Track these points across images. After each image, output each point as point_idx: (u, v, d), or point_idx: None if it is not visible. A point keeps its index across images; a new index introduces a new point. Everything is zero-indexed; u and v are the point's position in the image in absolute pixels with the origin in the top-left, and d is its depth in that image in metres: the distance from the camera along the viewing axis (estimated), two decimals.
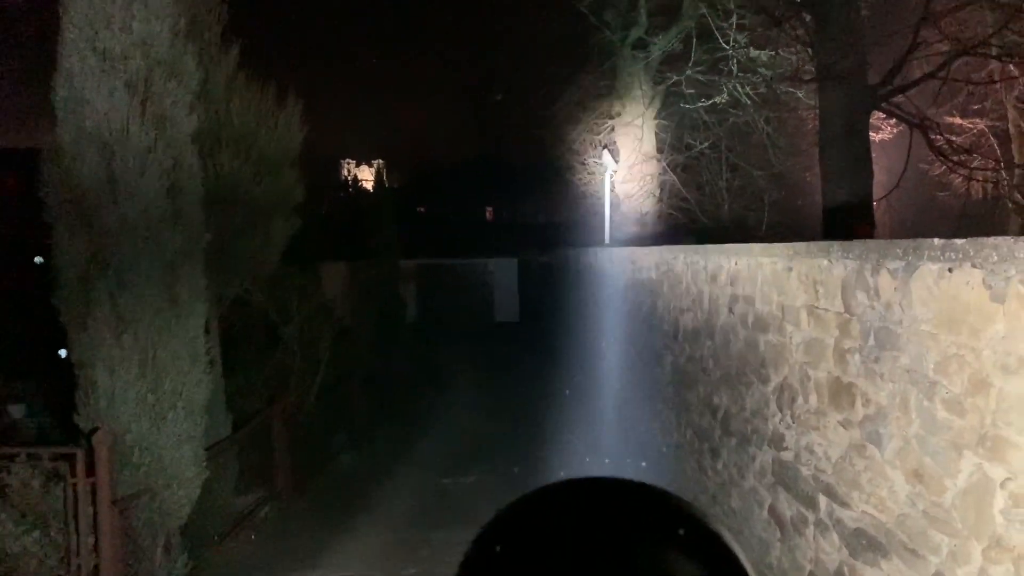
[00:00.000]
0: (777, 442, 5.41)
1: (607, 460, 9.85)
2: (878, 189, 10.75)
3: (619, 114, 18.56)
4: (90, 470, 5.42)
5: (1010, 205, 13.87)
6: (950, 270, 3.24)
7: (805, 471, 4.90)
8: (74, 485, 5.44)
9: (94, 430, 5.51)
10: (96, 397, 5.69)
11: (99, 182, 5.62)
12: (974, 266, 3.08)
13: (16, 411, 11.62)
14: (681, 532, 0.77)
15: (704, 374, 7.40)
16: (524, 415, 12.49)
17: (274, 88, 9.10)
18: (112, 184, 5.63)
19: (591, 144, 20.29)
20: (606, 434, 11.05)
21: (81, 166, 5.63)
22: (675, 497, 0.82)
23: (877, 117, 12.57)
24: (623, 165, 19.94)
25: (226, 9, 8.55)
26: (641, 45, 18.19)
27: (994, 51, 10.49)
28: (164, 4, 5.98)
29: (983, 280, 3.02)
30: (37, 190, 5.99)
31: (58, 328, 6.00)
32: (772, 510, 5.52)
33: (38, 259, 17.50)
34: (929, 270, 3.40)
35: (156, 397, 5.83)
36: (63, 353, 6.86)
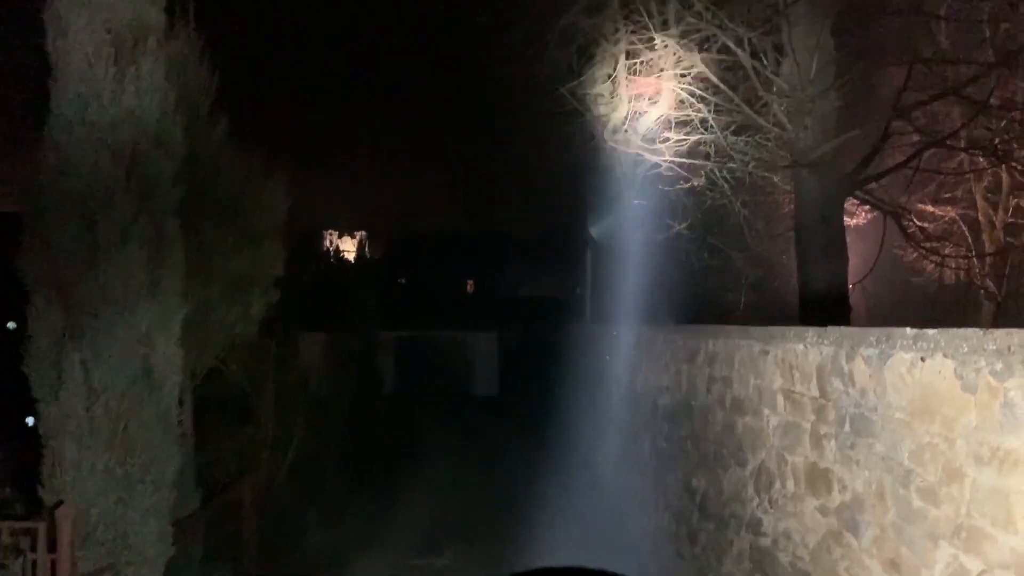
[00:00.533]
0: (755, 527, 5.36)
1: (585, 538, 9.68)
2: (853, 273, 10.93)
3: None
4: (52, 546, 5.25)
5: (982, 292, 14.11)
6: (922, 359, 3.28)
7: (783, 557, 4.85)
8: (34, 561, 5.27)
9: (58, 503, 5.36)
10: (62, 469, 5.55)
11: (80, 251, 5.61)
12: (946, 356, 3.13)
13: None
14: None
15: (683, 455, 7.37)
16: (500, 494, 12.29)
17: (260, 160, 9.20)
18: (93, 253, 5.61)
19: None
20: (584, 513, 10.88)
21: (63, 234, 5.62)
22: None
23: (852, 203, 12.87)
24: (604, 243, 20.18)
25: (216, 83, 8.72)
26: (621, 129, 18.63)
27: (962, 143, 10.85)
28: (155, 77, 6.08)
29: (955, 371, 3.07)
30: (15, 255, 5.96)
31: (26, 395, 5.89)
32: None
33: (11, 324, 17.28)
34: (902, 359, 3.45)
35: (124, 470, 5.70)
36: (30, 421, 6.72)
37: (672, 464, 7.75)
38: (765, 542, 5.15)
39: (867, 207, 14.01)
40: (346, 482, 12.62)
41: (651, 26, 13.89)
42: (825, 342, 4.27)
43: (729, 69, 13.70)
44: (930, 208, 14.82)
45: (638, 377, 9.63)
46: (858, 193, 10.57)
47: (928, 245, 11.62)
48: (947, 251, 13.44)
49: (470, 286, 43.41)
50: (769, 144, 13.08)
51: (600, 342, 13.09)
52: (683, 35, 16.36)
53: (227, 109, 8.87)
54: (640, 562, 8.64)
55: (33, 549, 5.25)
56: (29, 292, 5.76)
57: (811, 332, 4.45)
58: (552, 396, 20.78)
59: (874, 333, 3.72)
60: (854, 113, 10.68)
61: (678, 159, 16.92)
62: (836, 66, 9.61)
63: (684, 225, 17.75)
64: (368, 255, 20.73)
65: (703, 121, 15.22)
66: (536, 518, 10.77)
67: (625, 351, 10.60)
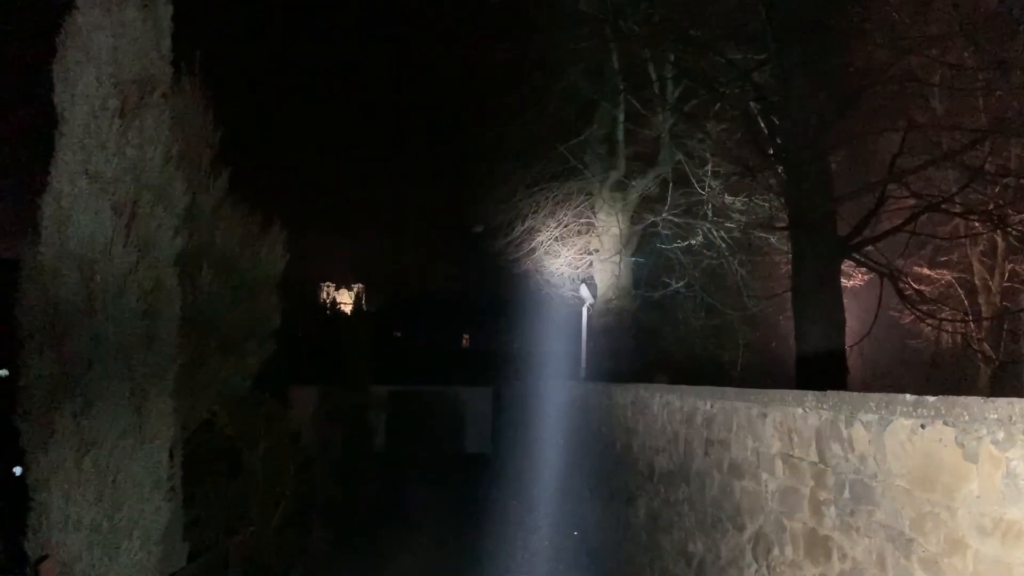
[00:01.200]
0: None
1: None
2: (850, 335, 10.92)
3: (597, 250, 18.97)
4: None
5: (979, 356, 14.10)
6: (923, 426, 3.25)
7: None
8: None
9: (42, 558, 5.25)
10: (49, 522, 5.45)
11: (76, 301, 5.60)
12: (946, 424, 3.10)
13: None
14: None
15: (679, 519, 7.26)
16: (489, 559, 12.08)
17: (259, 215, 9.27)
18: (90, 303, 5.60)
19: (570, 278, 20.62)
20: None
21: (60, 284, 5.62)
22: None
23: (849, 264, 12.94)
24: (600, 300, 20.20)
25: (218, 137, 8.83)
26: (620, 187, 18.82)
27: (958, 208, 10.96)
28: (159, 131, 6.15)
29: (955, 439, 3.04)
30: (10, 304, 5.94)
31: (12, 444, 5.81)
32: None
33: (3, 372, 17.14)
34: (902, 425, 3.42)
35: (112, 524, 5.60)
36: (18, 471, 6.62)
37: (668, 528, 7.63)
38: None
39: (864, 269, 14.08)
40: (334, 540, 12.40)
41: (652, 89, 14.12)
42: (824, 406, 4.24)
43: (726, 131, 13.93)
44: (927, 271, 14.92)
45: (633, 438, 9.53)
46: (855, 255, 10.63)
47: (925, 308, 11.65)
48: (944, 314, 13.47)
49: (465, 340, 43.34)
50: (766, 205, 13.23)
51: (595, 400, 13.01)
52: (681, 99, 16.69)
53: (228, 163, 8.97)
54: None
55: None
56: (23, 340, 5.72)
57: (810, 396, 4.41)
58: (545, 455, 20.57)
59: (874, 399, 3.69)
60: (851, 176, 10.82)
61: (676, 218, 17.09)
62: (833, 130, 9.75)
63: (681, 284, 17.84)
64: (364, 308, 20.70)
65: (701, 182, 15.42)
66: None
67: (620, 411, 10.52)
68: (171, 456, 6.64)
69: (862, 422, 3.78)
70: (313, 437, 17.15)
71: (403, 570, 11.04)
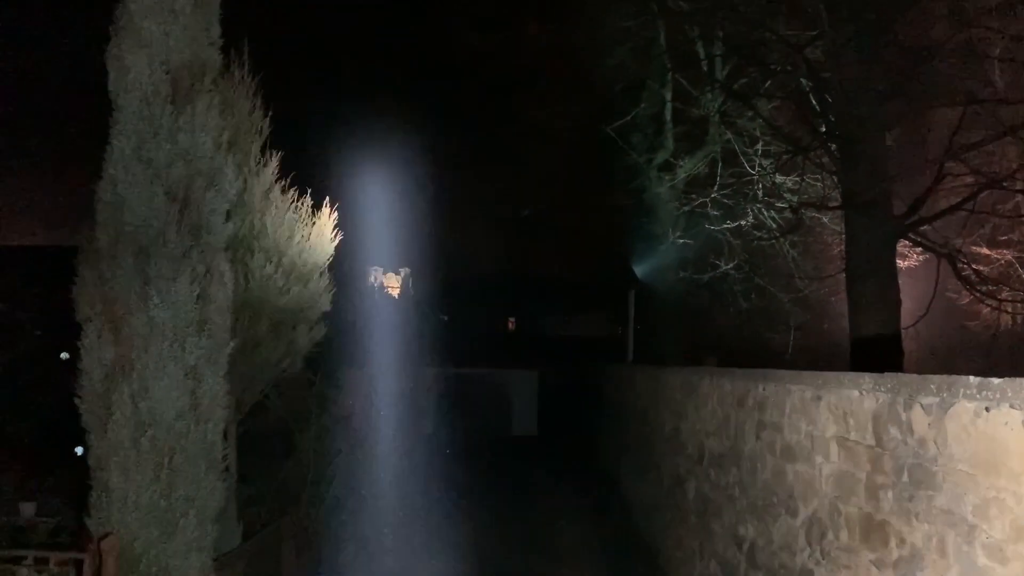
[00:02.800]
0: None
1: None
2: (906, 316, 10.67)
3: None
4: None
5: None
6: (987, 409, 3.15)
7: None
8: None
9: (104, 535, 5.40)
10: (109, 501, 5.60)
11: (132, 285, 5.72)
12: (1012, 407, 2.99)
13: (27, 509, 11.47)
14: None
15: (730, 502, 7.18)
16: (539, 543, 12.12)
17: (308, 200, 9.34)
18: (145, 288, 5.72)
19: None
20: (624, 561, 10.67)
21: (116, 269, 5.74)
22: None
23: (904, 245, 12.62)
24: (648, 283, 20.07)
25: (268, 123, 8.90)
26: (667, 167, 18.62)
27: (1019, 185, 10.59)
28: (210, 117, 6.22)
29: (1023, 422, 2.93)
30: (69, 289, 6.09)
31: (76, 426, 5.98)
32: None
33: (64, 355, 17.68)
34: (965, 408, 3.31)
35: (169, 503, 5.73)
36: (79, 451, 6.81)
37: (718, 511, 7.56)
38: None
39: (920, 249, 13.72)
40: (384, 522, 12.54)
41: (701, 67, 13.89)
42: (881, 389, 4.13)
43: (777, 109, 13.65)
44: (985, 251, 14.44)
45: (682, 421, 9.46)
46: (911, 235, 10.36)
47: (984, 288, 11.30)
48: (1004, 295, 13.06)
49: (511, 324, 43.38)
50: (819, 185, 12.95)
51: (642, 384, 12.93)
52: (730, 77, 16.41)
53: (277, 147, 9.05)
54: None
55: None
56: (82, 325, 5.87)
57: (866, 378, 4.31)
58: (592, 439, 20.56)
59: (934, 381, 3.58)
60: (907, 154, 10.52)
61: (725, 198, 16.85)
62: (888, 107, 9.48)
63: (730, 266, 17.60)
64: (412, 291, 20.80)
65: (751, 161, 15.17)
66: (574, 564, 10.59)
67: (669, 393, 10.44)
68: (225, 437, 6.77)
69: (922, 405, 3.68)
70: (364, 420, 17.35)
71: (453, 553, 11.12)
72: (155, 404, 5.68)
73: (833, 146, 10.57)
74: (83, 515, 5.75)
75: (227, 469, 6.80)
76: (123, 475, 5.58)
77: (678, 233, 18.82)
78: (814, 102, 11.20)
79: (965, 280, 10.96)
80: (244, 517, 8.10)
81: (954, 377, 3.40)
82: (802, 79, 11.50)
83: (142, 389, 5.65)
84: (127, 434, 5.61)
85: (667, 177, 18.64)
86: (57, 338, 12.99)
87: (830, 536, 4.81)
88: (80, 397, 5.88)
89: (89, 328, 5.81)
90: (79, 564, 5.35)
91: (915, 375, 3.79)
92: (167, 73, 5.90)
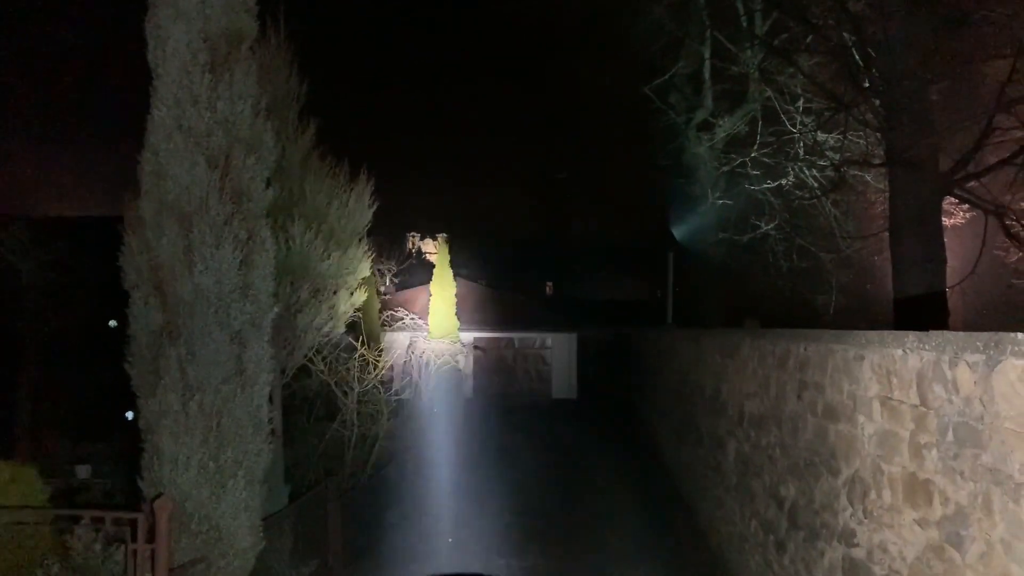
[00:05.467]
0: (848, 538, 5.17)
1: (664, 545, 9.54)
2: (951, 275, 10.45)
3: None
4: (150, 536, 5.45)
5: None
6: None
7: (878, 571, 4.65)
8: (134, 551, 5.48)
9: (156, 496, 5.56)
10: (160, 463, 5.76)
11: (176, 252, 5.82)
12: None
13: (82, 471, 11.88)
14: None
15: (770, 462, 7.17)
16: (580, 502, 12.22)
17: (346, 165, 9.39)
18: (188, 255, 5.81)
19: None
20: (663, 521, 10.74)
21: (160, 236, 5.85)
22: None
23: (950, 202, 12.32)
24: (688, 245, 19.91)
25: (304, 90, 8.94)
26: (706, 127, 18.35)
27: None
28: (248, 85, 6.26)
29: None
30: (116, 257, 6.22)
31: (127, 391, 6.14)
32: None
33: (112, 323, 18.13)
34: (1013, 365, 3.25)
35: (217, 465, 5.88)
36: (130, 415, 7.01)
37: (759, 471, 7.55)
38: (859, 554, 4.96)
39: (966, 206, 13.39)
40: (426, 483, 12.75)
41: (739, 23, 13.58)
42: (926, 347, 4.07)
43: (819, 65, 13.33)
44: None
45: (722, 382, 9.42)
46: (957, 192, 10.10)
47: None
48: None
49: (549, 288, 43.36)
50: (862, 142, 12.66)
51: (682, 346, 12.89)
52: (771, 33, 16.05)
53: (315, 114, 9.10)
54: (724, 570, 8.47)
55: (134, 539, 5.45)
56: (129, 292, 6.00)
57: (911, 336, 4.25)
58: (631, 401, 20.60)
59: (981, 338, 3.52)
60: (954, 108, 10.22)
61: (765, 158, 16.57)
62: (935, 59, 9.19)
63: (771, 226, 17.36)
64: (449, 256, 20.89)
65: (792, 119, 14.87)
66: (614, 525, 10.67)
67: (709, 355, 10.40)
68: (270, 400, 6.91)
69: (968, 363, 3.62)
70: (404, 382, 17.58)
71: (497, 511, 11.28)
72: (202, 368, 5.80)
73: (877, 102, 10.30)
74: (136, 477, 5.92)
75: (273, 432, 6.94)
76: (173, 438, 5.73)
77: (717, 194, 18.59)
78: (857, 57, 10.90)
79: (1014, 237, 10.66)
80: (290, 478, 8.29)
81: (1001, 334, 3.34)
82: (845, 33, 11.19)
83: (189, 354, 5.78)
84: (176, 398, 5.75)
85: (706, 137, 18.38)
86: (106, 306, 13.31)
87: (872, 495, 4.79)
88: (129, 362, 6.04)
89: (136, 295, 5.95)
90: (133, 523, 5.53)
91: (961, 333, 3.73)
92: (205, 41, 5.94)
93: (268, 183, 6.50)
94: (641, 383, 19.07)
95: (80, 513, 5.80)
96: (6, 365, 15.90)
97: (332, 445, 10.55)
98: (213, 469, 5.87)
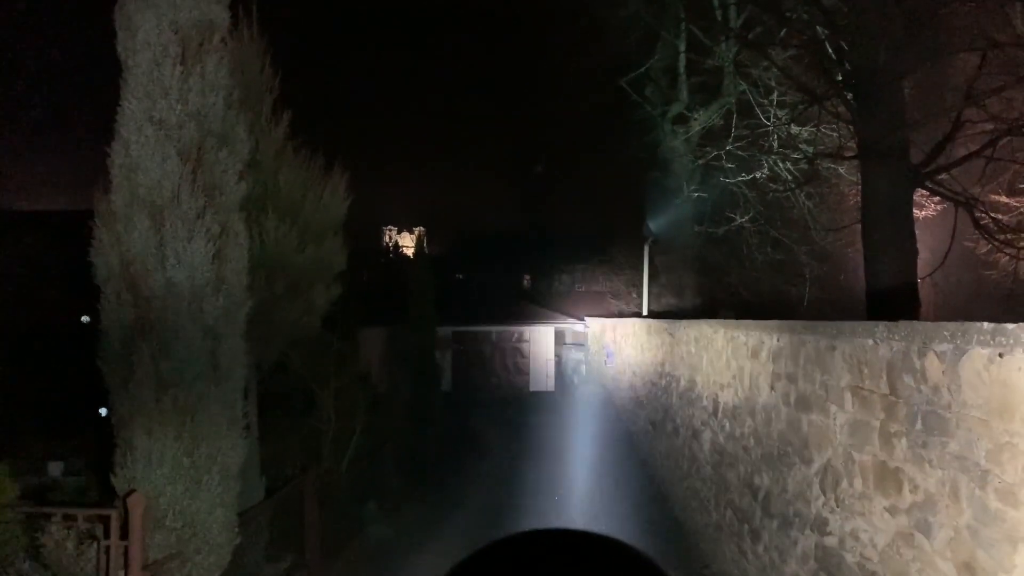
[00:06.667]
0: (820, 526, 5.23)
1: (640, 534, 9.60)
2: (922, 267, 10.58)
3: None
4: (124, 532, 5.41)
5: None
6: (1000, 355, 3.15)
7: (850, 558, 4.72)
8: (107, 548, 5.43)
9: (129, 492, 5.51)
10: (133, 459, 5.71)
11: (148, 247, 5.75)
12: None
13: (55, 469, 11.74)
14: None
15: (744, 453, 7.24)
16: (556, 493, 12.28)
17: (321, 158, 9.32)
18: (160, 249, 5.75)
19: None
20: (639, 510, 10.81)
21: (132, 231, 5.78)
22: (633, 548, 0.82)
23: (921, 194, 12.46)
24: (662, 235, 19.99)
25: (278, 82, 8.86)
26: (681, 120, 18.42)
27: None
28: (220, 76, 6.20)
29: None
30: (87, 252, 6.14)
31: (100, 387, 6.07)
32: None
33: (85, 318, 17.92)
34: (979, 354, 3.31)
35: (192, 461, 5.84)
36: (104, 412, 6.93)
37: (733, 461, 7.63)
38: (831, 541, 5.03)
39: (937, 198, 13.55)
40: (404, 476, 12.75)
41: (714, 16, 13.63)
42: (896, 337, 4.13)
43: (793, 58, 13.43)
44: (1004, 199, 14.24)
45: (697, 373, 9.49)
46: (928, 184, 10.23)
47: (1002, 237, 11.16)
48: (1022, 244, 12.90)
49: (527, 281, 43.43)
50: (835, 135, 12.77)
51: (657, 337, 12.96)
52: (745, 26, 16.13)
53: (288, 107, 9.02)
54: (699, 557, 8.54)
55: (107, 535, 5.41)
56: (101, 287, 5.93)
57: (881, 327, 4.30)
58: (608, 392, 20.68)
59: (948, 328, 3.58)
60: (925, 101, 10.33)
61: (740, 150, 16.67)
62: (906, 53, 9.29)
63: (746, 218, 17.48)
64: (427, 250, 20.85)
65: (766, 112, 14.97)
66: (592, 516, 10.73)
67: (684, 347, 10.47)
68: (246, 396, 6.87)
69: (936, 352, 3.68)
70: (382, 377, 17.54)
71: (472, 502, 11.31)
72: (175, 364, 5.75)
73: (849, 95, 10.39)
74: (109, 473, 5.86)
75: (248, 427, 6.90)
76: (147, 434, 5.67)
77: (693, 187, 18.69)
78: (830, 50, 10.99)
79: (983, 229, 10.82)
80: (267, 473, 8.25)
81: (967, 324, 3.39)
82: (818, 27, 11.27)
83: (162, 349, 5.72)
84: (149, 394, 5.69)
85: (681, 130, 18.45)
86: (77, 301, 13.14)
87: (844, 484, 4.85)
88: (101, 358, 5.97)
89: (108, 290, 5.87)
90: (106, 520, 5.48)
91: (929, 323, 3.79)
92: (175, 32, 5.86)
93: (241, 176, 6.44)
94: (618, 374, 19.16)
95: (52, 511, 5.74)
96: None
97: (309, 440, 10.51)
98: (188, 465, 5.82)
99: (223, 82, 6.22)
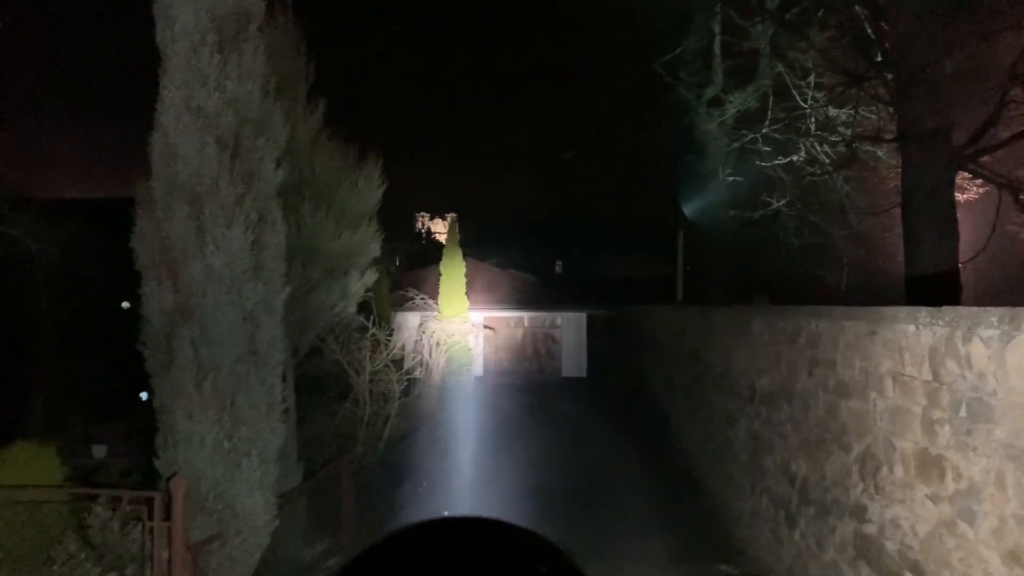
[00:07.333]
0: (859, 514, 5.18)
1: (675, 520, 9.59)
2: (964, 251, 10.38)
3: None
4: (166, 514, 5.52)
5: None
6: None
7: (890, 546, 4.67)
8: (151, 528, 5.54)
9: (172, 475, 5.62)
10: (175, 442, 5.81)
11: (188, 234, 5.83)
12: None
13: (99, 451, 12.04)
14: (543, 570, 0.79)
15: (781, 439, 7.18)
16: (590, 479, 12.29)
17: (355, 145, 9.38)
18: (200, 236, 5.83)
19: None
20: (674, 497, 10.78)
21: (171, 218, 5.86)
22: (539, 536, 0.83)
23: (963, 177, 12.22)
24: (697, 222, 19.81)
25: (313, 70, 8.92)
26: (716, 103, 18.21)
27: None
28: (256, 65, 6.25)
29: None
30: (127, 239, 6.24)
31: (140, 372, 6.18)
32: None
33: (125, 304, 18.25)
34: None
35: (232, 444, 5.93)
36: (144, 396, 7.06)
37: (770, 448, 7.57)
38: (871, 529, 4.98)
39: (980, 181, 13.28)
40: (438, 462, 12.83)
41: None
42: (939, 323, 4.06)
43: (831, 39, 13.20)
44: None
45: (733, 360, 9.42)
46: (970, 166, 10.01)
47: None
48: None
49: (558, 267, 43.39)
50: (874, 117, 12.55)
51: (692, 324, 12.88)
52: (782, 7, 15.87)
53: (323, 94, 9.07)
54: (734, 545, 8.51)
55: (151, 517, 5.52)
56: (142, 273, 6.03)
57: (923, 312, 4.24)
58: (641, 379, 20.62)
59: (995, 313, 3.51)
60: (968, 82, 10.10)
61: (776, 134, 16.45)
62: (948, 32, 9.08)
63: (782, 203, 17.27)
64: (458, 236, 20.90)
65: (803, 94, 14.74)
66: (627, 504, 10.72)
67: (719, 333, 10.39)
68: (284, 380, 6.95)
69: (981, 338, 3.61)
70: (416, 361, 17.68)
71: (506, 488, 11.35)
72: (215, 349, 5.83)
73: (889, 76, 10.20)
74: (152, 456, 5.98)
75: (287, 411, 6.99)
76: (187, 418, 5.77)
77: (728, 171, 18.49)
78: (869, 30, 10.79)
79: None
80: (304, 457, 8.35)
81: (1016, 309, 3.33)
82: (857, 6, 11.07)
83: (202, 335, 5.81)
84: (189, 378, 5.78)
85: (716, 113, 18.24)
86: (118, 288, 13.39)
87: (884, 471, 4.79)
88: (143, 343, 6.07)
89: (149, 276, 5.97)
90: (150, 501, 5.59)
91: (974, 308, 3.72)
92: (212, 21, 5.91)
93: (278, 163, 6.51)
94: (651, 361, 19.09)
95: (97, 492, 5.87)
96: (22, 347, 16.03)
97: (345, 424, 10.63)
98: (227, 448, 5.91)
99: (259, 70, 6.27)
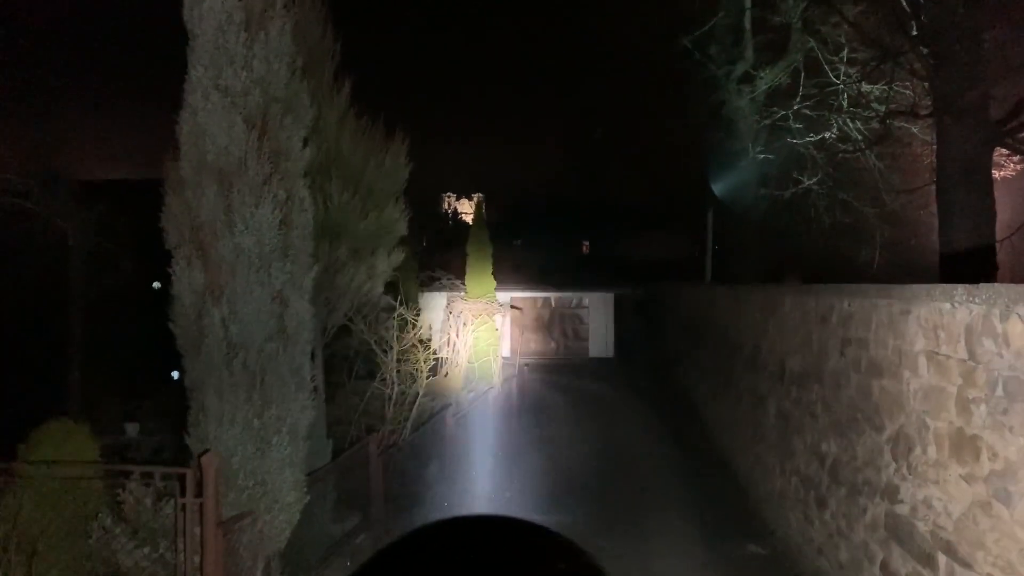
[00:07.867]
0: (891, 494, 5.12)
1: (703, 502, 9.56)
2: (1001, 229, 10.17)
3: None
4: (198, 491, 5.58)
5: None
6: None
7: (922, 527, 4.61)
8: (183, 505, 5.61)
9: (203, 452, 5.68)
10: (206, 420, 5.88)
11: (217, 213, 5.86)
12: None
13: (131, 429, 12.25)
14: (562, 567, 0.77)
15: (812, 419, 7.11)
16: (616, 459, 12.28)
17: (382, 124, 9.36)
18: (229, 215, 5.86)
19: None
20: (701, 477, 10.75)
21: (200, 197, 5.89)
22: (555, 534, 0.81)
23: (1000, 153, 11.95)
24: (727, 201, 19.60)
25: (339, 48, 8.89)
26: (747, 79, 17.95)
27: None
28: (283, 44, 6.24)
29: None
30: (158, 219, 6.29)
31: (171, 350, 6.24)
32: (884, 567, 5.22)
33: (156, 284, 18.48)
34: None
35: (262, 422, 5.98)
36: (175, 375, 7.14)
37: (799, 428, 7.50)
38: (903, 510, 4.92)
39: (1018, 157, 12.98)
40: (466, 440, 12.89)
41: None
42: (975, 301, 3.98)
43: (864, 13, 12.93)
44: None
45: (763, 339, 9.33)
46: (1008, 142, 9.78)
47: None
48: None
49: (585, 247, 43.19)
50: (908, 92, 12.30)
51: (721, 303, 12.78)
52: None
53: (349, 73, 9.05)
54: (763, 525, 8.47)
55: (183, 493, 5.59)
56: (172, 253, 6.07)
57: (960, 290, 4.15)
58: (669, 359, 20.53)
59: None
60: (1006, 55, 9.85)
61: (807, 110, 16.19)
62: (986, 4, 8.85)
63: (813, 180, 17.02)
64: (485, 216, 20.86)
65: (835, 70, 14.48)
66: (654, 483, 10.71)
67: (749, 312, 10.29)
68: (312, 359, 6.99)
69: (1020, 316, 3.53)
70: (443, 341, 17.74)
71: (534, 469, 11.38)
72: (245, 327, 5.87)
73: (925, 50, 9.97)
74: (183, 434, 6.05)
75: (315, 389, 7.03)
76: (218, 396, 5.83)
77: (758, 148, 18.24)
78: (904, 3, 10.54)
79: None
80: (333, 435, 8.42)
81: None
82: None
83: (232, 313, 5.85)
84: (220, 357, 5.83)
85: (747, 89, 17.98)
86: (149, 267, 13.54)
87: (917, 451, 4.73)
88: (173, 322, 6.13)
89: (179, 255, 6.01)
90: (182, 478, 5.65)
91: (1012, 285, 3.64)
92: (239, 0, 5.91)
93: (305, 142, 6.51)
94: (679, 341, 19.00)
95: (131, 469, 5.95)
96: (56, 326, 16.31)
97: (373, 402, 10.70)
98: (258, 426, 5.97)
99: (286, 48, 6.26)
